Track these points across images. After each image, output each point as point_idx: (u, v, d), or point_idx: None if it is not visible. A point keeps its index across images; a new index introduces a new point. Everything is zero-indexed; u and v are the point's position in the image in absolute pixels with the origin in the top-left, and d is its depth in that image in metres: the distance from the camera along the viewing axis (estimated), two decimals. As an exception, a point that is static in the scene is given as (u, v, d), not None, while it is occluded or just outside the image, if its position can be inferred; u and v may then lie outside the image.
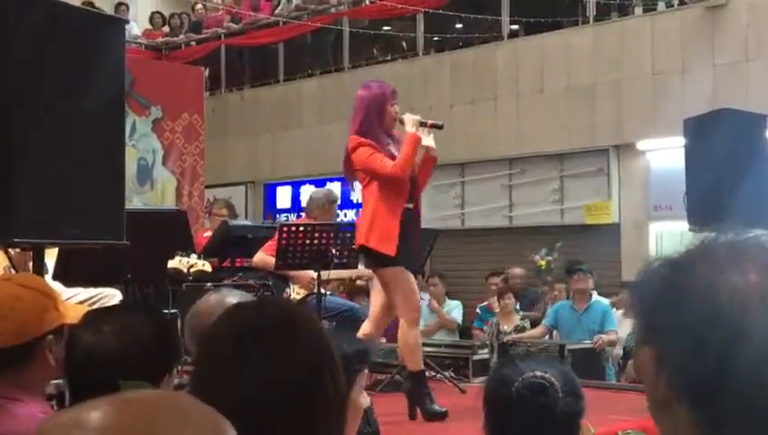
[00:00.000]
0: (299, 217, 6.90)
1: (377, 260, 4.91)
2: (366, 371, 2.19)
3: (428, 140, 5.00)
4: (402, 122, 4.96)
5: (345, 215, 12.49)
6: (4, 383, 2.12)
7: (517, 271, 9.60)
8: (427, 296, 8.80)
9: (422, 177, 5.10)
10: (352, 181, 5.19)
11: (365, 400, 2.13)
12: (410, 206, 4.97)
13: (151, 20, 14.81)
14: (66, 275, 4.32)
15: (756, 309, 0.92)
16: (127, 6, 14.26)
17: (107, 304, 3.88)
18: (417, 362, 4.96)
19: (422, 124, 4.97)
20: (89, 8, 7.55)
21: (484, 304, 9.08)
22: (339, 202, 6.59)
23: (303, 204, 8.33)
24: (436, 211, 10.73)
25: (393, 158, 4.89)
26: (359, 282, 7.83)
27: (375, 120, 4.93)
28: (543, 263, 9.69)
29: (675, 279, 0.97)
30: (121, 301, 4.38)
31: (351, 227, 6.25)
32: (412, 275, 4.99)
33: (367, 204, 4.95)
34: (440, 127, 5.11)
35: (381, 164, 4.84)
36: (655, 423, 1.01)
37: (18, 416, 2.06)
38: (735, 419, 0.92)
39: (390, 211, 4.85)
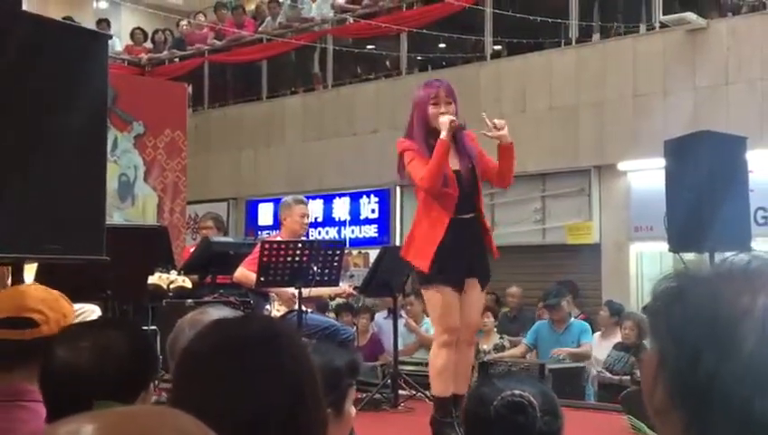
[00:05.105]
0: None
1: (418, 277, 4.68)
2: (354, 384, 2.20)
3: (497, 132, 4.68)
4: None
5: (327, 232, 12.48)
6: (24, 378, 2.18)
7: (514, 290, 9.60)
8: (404, 315, 8.80)
9: (504, 166, 4.69)
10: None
11: (352, 410, 2.16)
12: (468, 216, 4.62)
13: (132, 36, 14.82)
14: (45, 290, 4.27)
15: (751, 325, 0.93)
16: (108, 23, 14.26)
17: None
18: (438, 388, 4.60)
19: (453, 128, 4.55)
20: (71, 23, 7.52)
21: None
22: (307, 204, 6.45)
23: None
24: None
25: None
26: (338, 300, 7.79)
27: (416, 126, 4.66)
28: None
29: (683, 289, 1.00)
30: (100, 317, 4.34)
31: (333, 244, 6.23)
32: (454, 294, 4.55)
33: (415, 213, 4.73)
34: (463, 127, 4.66)
35: (416, 172, 4.54)
36: (656, 429, 1.03)
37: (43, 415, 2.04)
38: (725, 428, 0.93)
39: (432, 223, 4.53)
